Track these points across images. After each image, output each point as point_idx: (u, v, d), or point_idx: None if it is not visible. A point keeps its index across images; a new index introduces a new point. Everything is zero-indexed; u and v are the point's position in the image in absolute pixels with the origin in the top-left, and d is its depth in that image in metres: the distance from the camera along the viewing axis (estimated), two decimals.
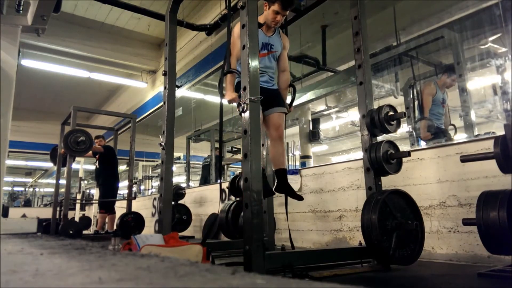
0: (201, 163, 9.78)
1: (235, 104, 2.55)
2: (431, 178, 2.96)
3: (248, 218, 2.00)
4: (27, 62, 8.18)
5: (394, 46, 5.43)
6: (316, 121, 9.04)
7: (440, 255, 2.78)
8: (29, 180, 21.58)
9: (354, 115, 9.15)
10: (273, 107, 2.83)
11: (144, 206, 7.64)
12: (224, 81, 2.71)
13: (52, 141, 8.83)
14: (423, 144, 4.39)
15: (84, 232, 7.06)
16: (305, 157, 8.35)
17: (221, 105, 2.74)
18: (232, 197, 4.31)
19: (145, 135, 11.31)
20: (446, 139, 4.17)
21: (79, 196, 10.20)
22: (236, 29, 2.65)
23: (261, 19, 2.78)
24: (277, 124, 2.83)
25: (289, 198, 2.88)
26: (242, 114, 2.18)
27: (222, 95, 2.69)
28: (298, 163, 8.34)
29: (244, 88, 2.19)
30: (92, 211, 10.47)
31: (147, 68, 9.68)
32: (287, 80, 3.01)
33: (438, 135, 4.25)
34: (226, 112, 6.39)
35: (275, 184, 2.87)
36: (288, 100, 3.07)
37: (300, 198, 2.82)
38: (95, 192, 9.53)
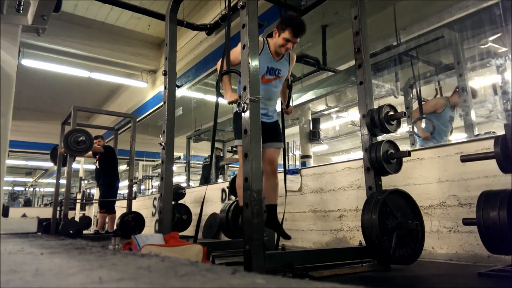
0: (201, 163, 9.78)
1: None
2: (431, 177, 2.96)
3: (248, 218, 2.00)
4: (27, 62, 8.17)
5: (394, 46, 5.43)
6: (316, 121, 9.04)
7: (440, 254, 2.78)
8: (29, 179, 21.59)
9: (354, 114, 9.15)
10: (271, 142, 2.77)
11: (144, 205, 7.64)
12: (222, 82, 2.69)
13: (52, 141, 8.82)
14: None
15: (84, 231, 7.05)
16: (305, 156, 8.35)
17: (217, 104, 2.72)
18: (232, 197, 4.31)
19: (145, 135, 11.30)
20: None
21: (79, 196, 10.20)
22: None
23: (271, 44, 2.74)
24: (272, 158, 2.78)
25: (288, 193, 2.80)
26: (242, 114, 2.18)
27: (220, 95, 2.68)
28: (298, 163, 8.33)
29: (244, 88, 2.19)
30: (92, 210, 10.47)
31: (147, 68, 9.68)
32: (286, 87, 3.12)
33: None
34: (227, 111, 6.39)
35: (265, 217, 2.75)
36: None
37: (287, 237, 2.73)
38: (95, 191, 9.54)
